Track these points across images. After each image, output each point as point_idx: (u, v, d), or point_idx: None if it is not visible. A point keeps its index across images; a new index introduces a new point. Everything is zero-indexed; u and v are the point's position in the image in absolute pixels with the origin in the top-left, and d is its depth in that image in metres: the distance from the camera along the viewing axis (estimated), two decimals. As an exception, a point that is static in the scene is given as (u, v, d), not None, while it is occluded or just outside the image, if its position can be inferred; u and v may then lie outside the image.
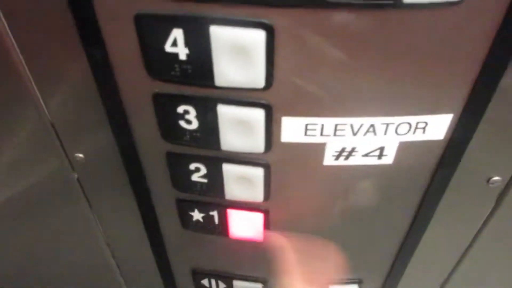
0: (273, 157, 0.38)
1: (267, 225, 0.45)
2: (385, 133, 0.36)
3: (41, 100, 0.38)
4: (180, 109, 0.34)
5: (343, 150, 0.37)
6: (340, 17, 0.28)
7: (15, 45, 0.34)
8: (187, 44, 0.30)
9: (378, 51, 0.30)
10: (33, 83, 0.37)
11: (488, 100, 0.35)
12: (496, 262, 0.56)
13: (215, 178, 0.39)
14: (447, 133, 0.37)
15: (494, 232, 0.50)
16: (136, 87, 0.34)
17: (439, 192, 0.43)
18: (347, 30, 0.29)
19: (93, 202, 0.49)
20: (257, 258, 0.52)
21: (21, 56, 0.35)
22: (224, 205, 0.43)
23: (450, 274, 0.58)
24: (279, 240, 0.44)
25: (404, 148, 0.38)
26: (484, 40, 0.31)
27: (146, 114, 0.36)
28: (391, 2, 0.27)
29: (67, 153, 0.44)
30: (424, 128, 0.36)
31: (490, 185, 0.44)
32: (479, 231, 0.50)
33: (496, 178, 0.43)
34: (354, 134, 0.36)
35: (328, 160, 0.38)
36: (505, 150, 0.41)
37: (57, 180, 0.47)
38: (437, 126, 0.36)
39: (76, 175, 0.46)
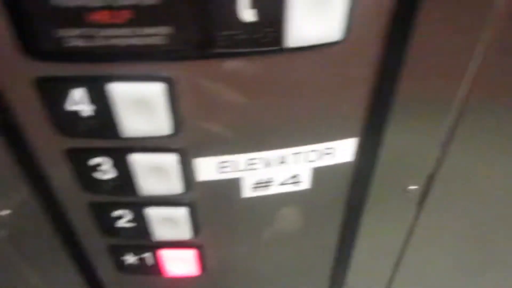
0: (194, 196, 0.39)
1: (202, 260, 0.46)
2: (296, 162, 0.38)
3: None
4: (94, 161, 0.34)
5: (259, 182, 0.39)
6: (231, 65, 0.30)
7: None
8: (90, 101, 0.31)
9: (274, 91, 0.33)
10: None
11: (384, 123, 0.38)
12: (431, 264, 0.60)
13: (141, 223, 0.40)
14: (355, 154, 0.40)
15: (421, 236, 0.54)
16: (48, 144, 0.34)
17: (359, 207, 0.46)
18: (240, 75, 0.31)
19: (28, 258, 0.48)
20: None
21: None
22: (156, 246, 0.44)
23: (389, 282, 0.60)
24: None
25: (319, 173, 0.41)
26: (370, 70, 0.34)
27: (62, 169, 0.36)
28: (275, 48, 0.29)
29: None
30: (332, 154, 0.39)
31: (408, 194, 0.47)
32: (408, 237, 0.54)
33: (412, 187, 0.47)
34: (267, 166, 0.38)
35: (247, 192, 0.39)
36: (414, 161, 0.44)
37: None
38: (344, 150, 0.39)
39: (4, 232, 0.45)
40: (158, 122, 0.32)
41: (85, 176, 0.36)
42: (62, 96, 0.30)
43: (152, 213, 0.39)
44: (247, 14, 0.28)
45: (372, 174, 0.43)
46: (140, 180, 0.36)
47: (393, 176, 0.45)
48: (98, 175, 0.35)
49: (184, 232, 0.42)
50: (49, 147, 0.35)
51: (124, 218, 0.40)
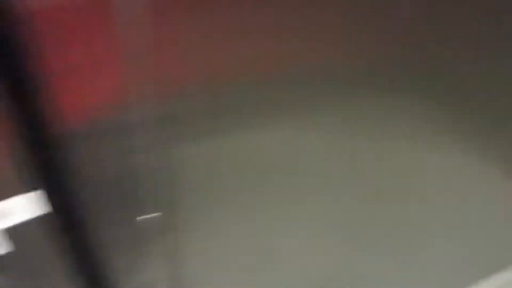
0: None
1: None
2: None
3: None
4: None
5: None
6: None
7: None
8: None
9: None
10: None
11: (49, 168, 0.38)
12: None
13: None
14: (49, 204, 0.40)
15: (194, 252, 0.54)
16: None
17: (90, 251, 0.46)
18: None
19: None
20: None
21: None
22: None
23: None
24: None
25: (18, 232, 0.40)
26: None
27: None
28: None
29: None
30: (12, 212, 0.38)
31: (144, 223, 0.48)
32: (177, 258, 0.54)
33: (142, 217, 0.47)
34: None
35: None
36: (136, 192, 0.45)
37: None
38: (27, 206, 0.39)
39: None
40: None
41: None
42: None
43: None
44: None
45: (79, 219, 0.43)
46: None
47: (116, 212, 0.46)
48: None
49: None
50: None
51: None
